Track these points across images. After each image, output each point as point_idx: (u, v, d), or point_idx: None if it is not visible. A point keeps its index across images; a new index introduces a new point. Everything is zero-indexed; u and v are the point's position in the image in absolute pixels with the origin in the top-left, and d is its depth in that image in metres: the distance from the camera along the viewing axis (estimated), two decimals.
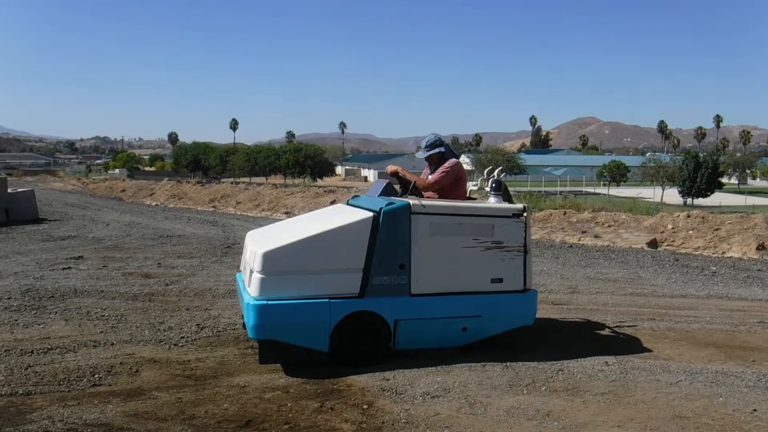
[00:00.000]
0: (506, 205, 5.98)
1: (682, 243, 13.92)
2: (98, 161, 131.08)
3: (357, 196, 6.87)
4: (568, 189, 63.93)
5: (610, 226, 15.49)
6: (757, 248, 12.89)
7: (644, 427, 4.32)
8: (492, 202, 6.06)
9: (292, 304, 5.19)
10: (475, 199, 6.57)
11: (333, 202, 20.65)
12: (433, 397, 4.77)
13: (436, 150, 6.41)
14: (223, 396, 4.74)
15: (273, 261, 5.19)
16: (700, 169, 55.63)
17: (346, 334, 5.35)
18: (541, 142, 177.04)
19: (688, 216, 15.24)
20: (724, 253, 13.12)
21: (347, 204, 6.55)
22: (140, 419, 4.30)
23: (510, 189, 6.82)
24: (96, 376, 5.11)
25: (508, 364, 5.50)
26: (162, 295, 8.15)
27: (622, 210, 18.08)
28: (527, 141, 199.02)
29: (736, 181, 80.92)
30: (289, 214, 20.54)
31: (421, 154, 6.51)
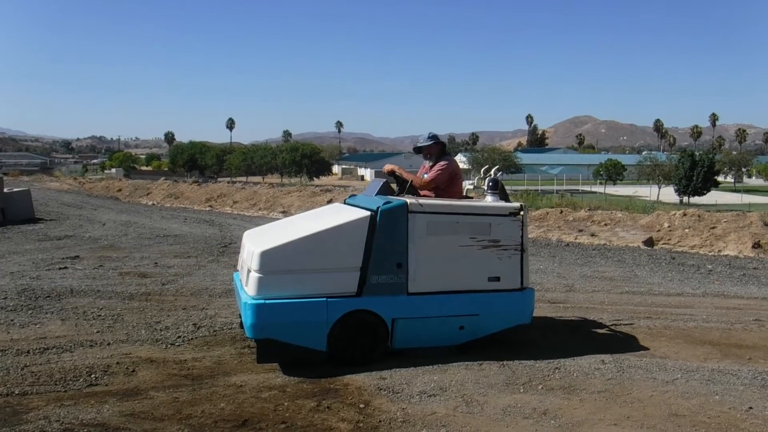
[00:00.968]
0: (503, 203, 5.99)
1: (679, 241, 13.95)
2: (95, 161, 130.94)
3: (354, 195, 6.87)
4: (564, 188, 63.98)
5: (606, 225, 15.52)
6: (753, 246, 12.92)
7: (641, 425, 4.33)
8: (489, 200, 6.07)
9: (289, 303, 5.19)
10: (471, 197, 6.57)
11: (330, 202, 20.64)
12: (430, 396, 4.78)
13: (434, 142, 6.41)
14: (219, 395, 4.74)
15: (270, 260, 5.19)
16: (696, 168, 55.70)
17: (344, 333, 5.35)
18: (537, 141, 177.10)
19: (684, 214, 15.28)
20: (720, 251, 13.15)
21: (344, 203, 6.55)
22: (137, 419, 4.30)
23: (506, 188, 6.84)
24: (92, 375, 5.10)
25: (505, 362, 5.51)
26: (158, 294, 8.14)
27: (618, 208, 18.11)
28: (524, 140, 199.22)
29: (732, 180, 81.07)
30: (285, 213, 20.52)
31: (423, 142, 6.49)
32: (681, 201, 53.83)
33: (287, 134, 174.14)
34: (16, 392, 4.72)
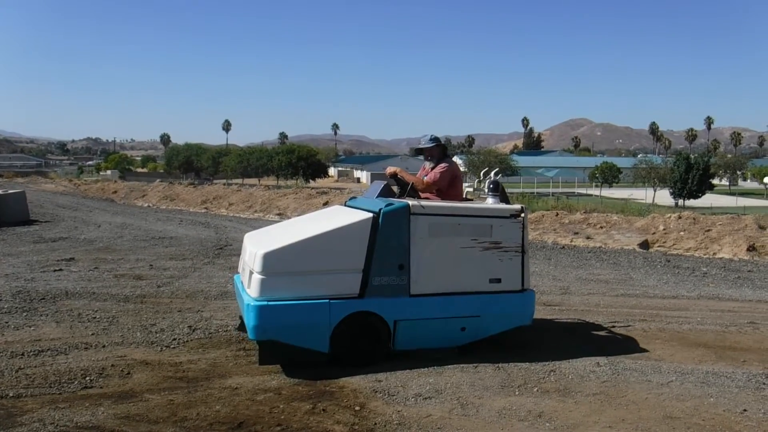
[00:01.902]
0: (504, 205, 6.03)
1: (674, 244, 13.99)
2: (90, 162, 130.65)
3: (354, 197, 6.88)
4: (560, 190, 64.05)
5: (602, 228, 15.55)
6: (748, 249, 12.96)
7: (635, 427, 4.34)
8: (490, 202, 6.11)
9: (292, 304, 5.20)
10: (471, 199, 6.59)
11: (326, 204, 20.64)
12: (426, 398, 4.78)
13: (435, 144, 6.45)
14: (215, 398, 4.73)
15: (273, 262, 5.20)
16: (691, 171, 55.85)
17: (346, 334, 5.37)
18: (533, 144, 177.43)
19: (680, 217, 15.32)
20: (714, 254, 13.18)
21: (345, 205, 6.57)
22: (132, 421, 4.29)
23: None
24: (87, 378, 5.09)
25: (500, 365, 5.52)
26: (154, 296, 8.12)
27: (613, 211, 18.14)
28: (520, 142, 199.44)
29: (727, 183, 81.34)
30: (281, 215, 20.51)
31: (424, 144, 6.52)
32: (676, 204, 53.94)
33: (283, 136, 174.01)
34: (11, 395, 4.70)
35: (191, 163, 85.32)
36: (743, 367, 5.72)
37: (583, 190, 68.64)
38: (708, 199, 54.78)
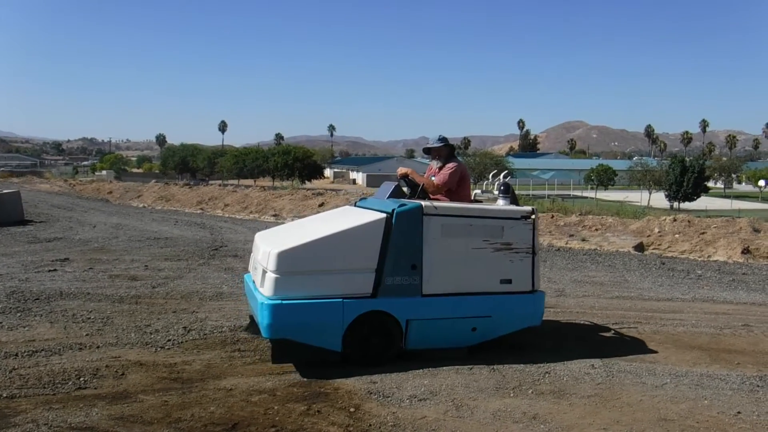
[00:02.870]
0: (515, 207, 6.08)
1: (669, 246, 14.02)
2: (85, 162, 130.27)
3: (364, 197, 6.90)
4: (556, 192, 64.16)
5: (597, 230, 15.57)
6: (742, 252, 13.00)
7: (630, 429, 4.35)
8: (501, 204, 6.17)
9: (305, 303, 5.23)
10: (480, 201, 6.63)
11: (321, 205, 20.63)
12: (420, 400, 4.78)
13: (444, 144, 6.49)
14: (209, 399, 4.72)
15: (287, 261, 5.23)
16: (686, 173, 55.97)
17: (359, 334, 5.40)
18: (529, 146, 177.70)
19: (675, 220, 15.36)
20: (709, 256, 13.22)
21: (355, 206, 6.61)
22: (126, 422, 4.28)
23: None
24: (81, 379, 5.07)
25: (495, 366, 5.52)
26: (149, 297, 8.10)
27: (609, 214, 18.17)
28: (516, 144, 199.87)
29: (722, 185, 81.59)
30: (277, 216, 20.49)
31: (432, 144, 6.55)
32: (671, 206, 54.07)
33: (279, 137, 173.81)
34: (4, 395, 4.69)
35: (187, 164, 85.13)
36: (737, 369, 5.74)
37: (578, 193, 68.75)
38: (703, 202, 54.95)
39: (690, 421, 4.50)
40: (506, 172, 6.80)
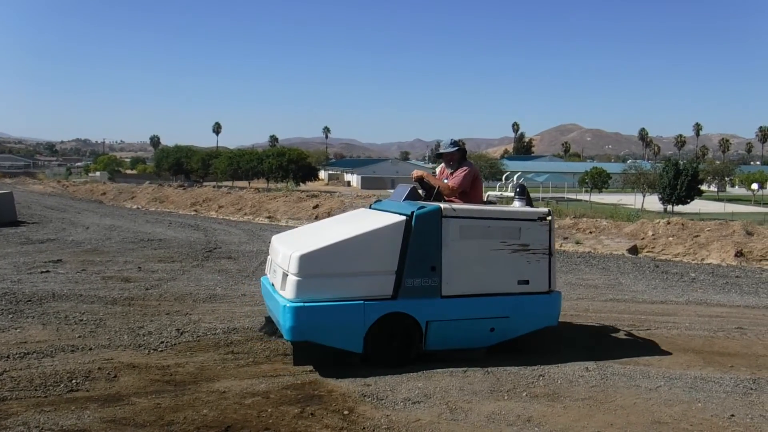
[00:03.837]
0: (532, 208, 6.14)
1: (662, 249, 14.06)
2: (79, 164, 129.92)
3: (380, 200, 6.93)
4: (550, 195, 64.31)
5: (591, 233, 15.61)
6: (736, 255, 13.05)
7: None
8: (517, 206, 6.25)
9: (327, 306, 5.24)
10: (493, 203, 6.66)
11: (316, 207, 20.61)
12: (414, 402, 4.77)
13: (457, 149, 6.58)
14: (202, 401, 4.69)
15: (309, 264, 5.23)
16: (680, 177, 56.22)
17: (380, 335, 5.41)
18: (523, 149, 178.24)
19: (668, 223, 15.41)
20: (703, 259, 13.27)
21: (371, 208, 6.63)
22: (118, 425, 4.25)
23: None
24: (73, 381, 5.03)
25: (489, 369, 5.52)
26: (142, 299, 8.07)
27: (603, 216, 18.24)
28: (510, 147, 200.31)
29: (716, 189, 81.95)
30: (271, 218, 20.46)
31: (445, 148, 6.64)
32: (665, 209, 54.29)
33: (274, 139, 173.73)
34: None
35: (181, 165, 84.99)
36: (731, 372, 5.75)
37: (572, 195, 68.93)
38: (696, 205, 55.18)
39: (684, 424, 4.50)
40: (519, 174, 6.87)
